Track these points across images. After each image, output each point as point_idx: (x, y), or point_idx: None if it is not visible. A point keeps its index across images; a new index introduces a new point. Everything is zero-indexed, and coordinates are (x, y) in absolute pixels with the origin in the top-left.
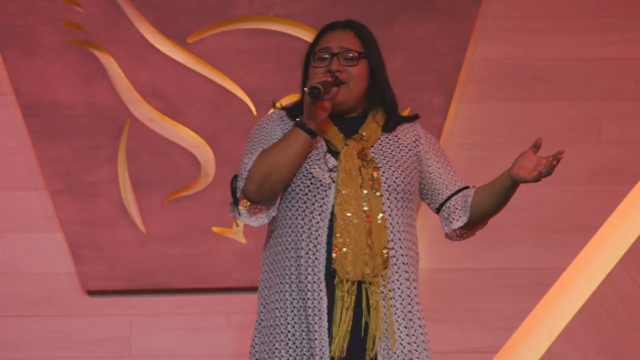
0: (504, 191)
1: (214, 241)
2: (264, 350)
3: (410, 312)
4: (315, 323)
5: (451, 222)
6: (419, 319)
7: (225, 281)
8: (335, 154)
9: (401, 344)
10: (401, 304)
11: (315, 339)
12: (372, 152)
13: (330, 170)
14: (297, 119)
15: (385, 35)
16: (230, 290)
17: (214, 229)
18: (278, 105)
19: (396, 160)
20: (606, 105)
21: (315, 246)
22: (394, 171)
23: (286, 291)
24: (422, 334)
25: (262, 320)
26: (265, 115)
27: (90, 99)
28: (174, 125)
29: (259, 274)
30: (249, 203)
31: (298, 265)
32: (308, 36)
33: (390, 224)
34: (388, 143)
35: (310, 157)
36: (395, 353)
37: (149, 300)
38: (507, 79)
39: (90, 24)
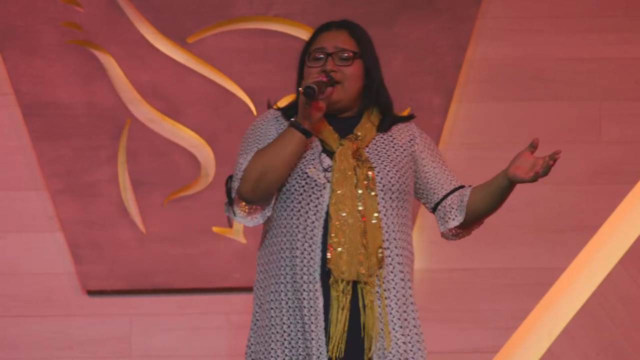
0: (500, 191)
1: (214, 241)
2: (260, 350)
3: (405, 312)
4: (312, 323)
5: (447, 221)
6: (414, 318)
7: (225, 281)
8: (330, 154)
9: (396, 343)
10: (396, 303)
11: (312, 339)
12: (367, 152)
13: (325, 170)
14: (292, 119)
15: (385, 35)
16: (230, 290)
17: (214, 229)
18: (275, 105)
19: (391, 160)
20: (606, 105)
21: (310, 246)
22: (388, 171)
23: (281, 291)
24: (417, 333)
25: (257, 320)
26: (260, 115)
27: (90, 99)
28: (174, 125)
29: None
30: (244, 203)
31: (293, 265)
32: (308, 36)
33: (385, 223)
34: (383, 143)
35: (305, 157)
36: (390, 353)
37: (149, 300)
38: (507, 79)
39: (90, 24)
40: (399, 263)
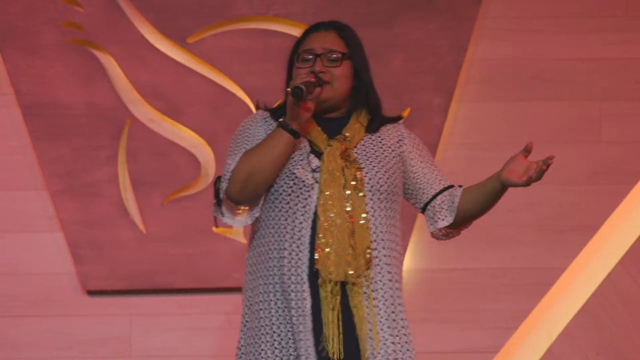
0: (492, 194)
1: (214, 241)
2: (251, 351)
3: (393, 312)
4: (300, 323)
5: (436, 221)
6: (402, 319)
7: (225, 281)
8: (319, 155)
9: (385, 344)
10: (384, 304)
11: (301, 340)
12: (356, 153)
13: (313, 170)
14: (280, 120)
15: (385, 35)
16: (230, 290)
17: (214, 229)
18: (263, 106)
19: (379, 161)
20: (606, 105)
21: (298, 247)
22: (377, 172)
23: (270, 292)
24: (405, 334)
25: (247, 321)
26: (249, 116)
27: (90, 99)
28: (174, 125)
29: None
30: (232, 204)
31: (281, 265)
32: None
33: (373, 224)
34: (371, 144)
35: (293, 158)
36: (379, 353)
37: (149, 300)
38: (507, 79)
39: (90, 24)
40: (387, 264)
